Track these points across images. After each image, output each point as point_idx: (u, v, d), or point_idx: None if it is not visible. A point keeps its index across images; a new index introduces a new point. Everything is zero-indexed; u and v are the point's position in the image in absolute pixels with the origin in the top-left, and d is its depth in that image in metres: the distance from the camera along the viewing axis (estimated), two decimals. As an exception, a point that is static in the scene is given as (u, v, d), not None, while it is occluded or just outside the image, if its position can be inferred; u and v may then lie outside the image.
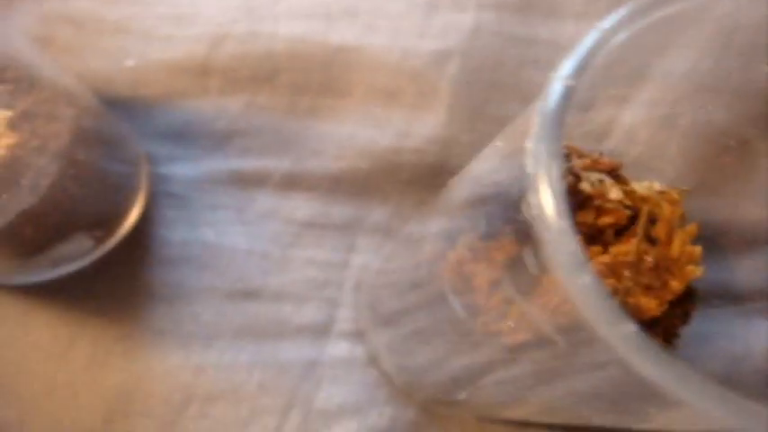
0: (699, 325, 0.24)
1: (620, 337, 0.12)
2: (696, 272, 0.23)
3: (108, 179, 0.27)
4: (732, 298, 0.24)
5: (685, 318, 0.24)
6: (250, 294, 0.29)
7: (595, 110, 0.22)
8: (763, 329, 0.23)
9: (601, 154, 0.23)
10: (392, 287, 0.27)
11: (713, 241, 0.24)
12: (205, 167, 0.30)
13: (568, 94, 0.13)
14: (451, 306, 0.21)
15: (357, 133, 0.30)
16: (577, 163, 0.21)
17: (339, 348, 0.28)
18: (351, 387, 0.28)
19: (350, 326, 0.29)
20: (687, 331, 0.24)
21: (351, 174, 0.30)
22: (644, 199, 0.22)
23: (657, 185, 0.23)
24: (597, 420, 0.22)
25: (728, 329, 0.24)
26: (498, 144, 0.18)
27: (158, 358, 0.28)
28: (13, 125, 0.22)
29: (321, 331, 0.29)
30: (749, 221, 0.23)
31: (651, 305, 0.22)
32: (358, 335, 0.29)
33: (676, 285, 0.23)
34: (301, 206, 0.30)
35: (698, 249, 0.23)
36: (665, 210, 0.23)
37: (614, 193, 0.22)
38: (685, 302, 0.24)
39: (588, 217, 0.22)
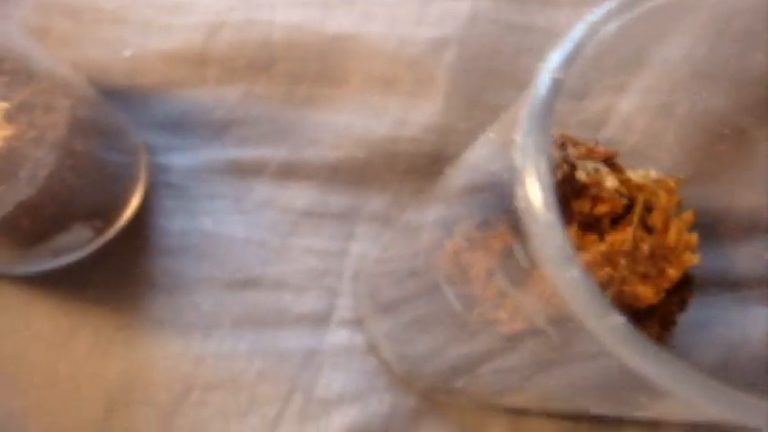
0: (696, 312, 0.24)
1: (608, 330, 0.13)
2: (693, 259, 0.23)
3: (106, 169, 0.28)
4: (729, 285, 0.24)
5: (682, 305, 0.24)
6: (249, 283, 0.29)
7: (591, 98, 0.22)
8: (761, 316, 0.23)
9: (597, 143, 0.23)
10: (390, 276, 0.27)
11: (711, 229, 0.24)
12: (203, 157, 0.30)
13: (556, 87, 0.13)
14: (448, 295, 0.21)
15: (354, 122, 0.30)
16: (572, 152, 0.21)
17: (339, 337, 0.29)
18: (351, 375, 0.28)
19: (349, 314, 0.29)
20: (685, 318, 0.24)
21: (348, 163, 0.30)
22: (640, 187, 0.22)
23: (654, 174, 0.23)
24: (593, 409, 0.22)
25: (726, 316, 0.24)
26: (491, 134, 0.18)
27: (158, 347, 0.28)
28: (10, 117, 0.23)
29: (321, 320, 0.29)
30: (746, 209, 0.23)
31: (648, 293, 0.22)
32: (357, 323, 0.29)
33: (673, 273, 0.23)
34: (299, 195, 0.30)
35: (694, 237, 0.23)
36: (662, 198, 0.23)
37: (610, 181, 0.22)
38: (683, 290, 0.24)
39: (584, 206, 0.22)
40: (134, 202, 0.29)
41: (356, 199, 0.30)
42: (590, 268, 0.21)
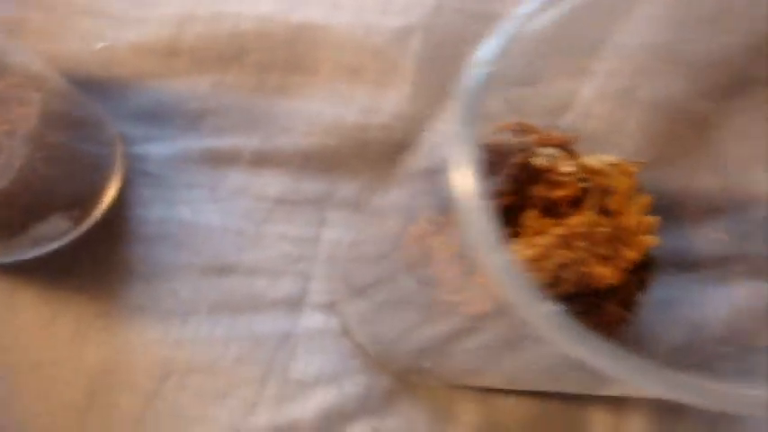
0: (659, 293, 0.24)
1: (541, 317, 0.13)
2: (651, 241, 0.23)
3: (82, 160, 0.28)
4: (689, 266, 0.24)
5: (641, 285, 0.24)
6: (225, 270, 0.29)
7: (546, 84, 0.22)
8: (720, 296, 0.23)
9: (557, 129, 0.23)
10: (362, 260, 0.27)
11: (671, 211, 0.24)
12: (179, 146, 0.31)
13: (485, 78, 0.13)
14: (415, 278, 0.22)
15: (324, 110, 0.31)
16: (529, 139, 0.22)
17: (313, 320, 0.29)
18: (326, 357, 0.29)
19: (323, 298, 0.29)
20: (649, 299, 0.24)
21: (320, 150, 0.31)
22: (597, 172, 0.23)
23: (612, 158, 0.24)
24: (558, 387, 0.23)
25: (688, 297, 0.24)
26: (442, 119, 0.18)
27: (138, 333, 0.28)
28: (-18, 111, 0.23)
29: (295, 304, 0.29)
30: (705, 191, 0.24)
31: (606, 273, 0.23)
32: (331, 307, 0.29)
33: (632, 254, 0.23)
34: (272, 183, 0.30)
35: (654, 219, 0.23)
36: (620, 182, 0.23)
37: (566, 166, 0.22)
38: (643, 271, 0.24)
39: (542, 190, 0.22)
40: (111, 192, 0.29)
41: (328, 185, 0.31)
42: (548, 250, 0.22)
